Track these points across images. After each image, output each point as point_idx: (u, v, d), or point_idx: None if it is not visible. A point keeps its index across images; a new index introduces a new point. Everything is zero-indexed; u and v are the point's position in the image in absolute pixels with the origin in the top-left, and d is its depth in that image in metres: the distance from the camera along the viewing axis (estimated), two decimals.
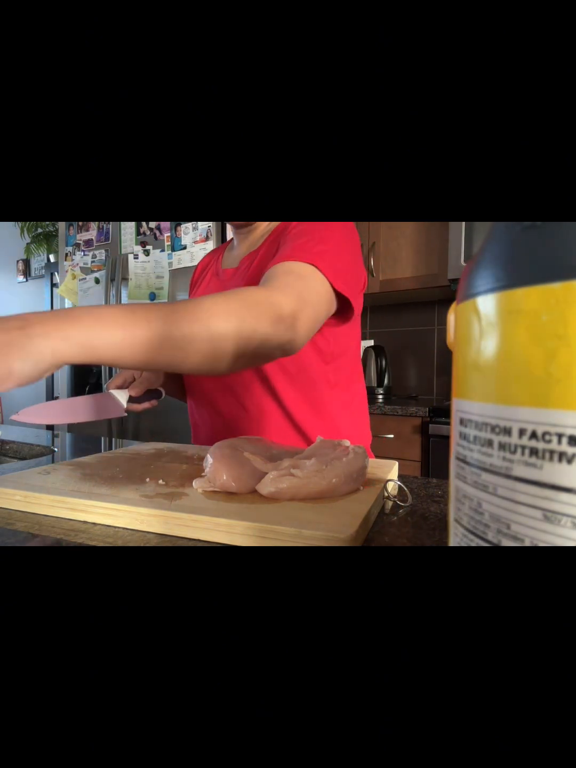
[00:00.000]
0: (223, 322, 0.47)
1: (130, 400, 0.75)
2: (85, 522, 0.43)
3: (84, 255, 2.33)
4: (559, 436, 0.13)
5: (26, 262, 3.65)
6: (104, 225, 2.26)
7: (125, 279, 2.14)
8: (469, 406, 0.16)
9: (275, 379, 0.75)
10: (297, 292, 0.55)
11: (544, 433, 0.13)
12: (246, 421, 0.77)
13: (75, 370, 2.38)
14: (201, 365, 0.48)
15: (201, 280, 0.90)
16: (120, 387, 0.77)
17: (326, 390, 0.78)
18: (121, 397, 0.75)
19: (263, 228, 0.81)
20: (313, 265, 0.59)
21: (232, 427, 0.78)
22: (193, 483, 0.48)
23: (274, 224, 0.81)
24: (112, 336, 0.39)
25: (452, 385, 0.18)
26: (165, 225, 2.04)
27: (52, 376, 3.14)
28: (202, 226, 1.92)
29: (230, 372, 0.51)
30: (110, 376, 2.18)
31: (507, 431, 0.14)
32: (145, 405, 0.77)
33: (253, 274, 0.73)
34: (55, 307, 3.03)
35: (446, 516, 0.45)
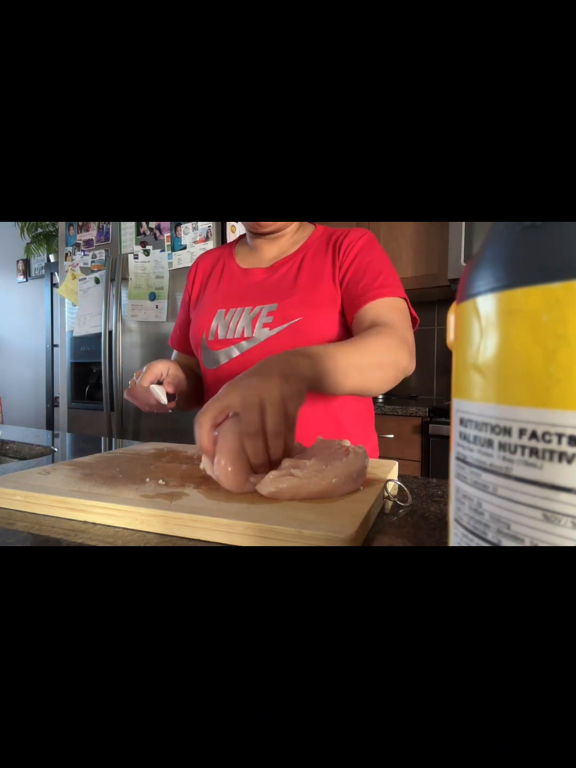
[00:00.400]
0: (388, 355, 0.65)
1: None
2: (85, 522, 0.43)
3: (84, 255, 2.33)
4: (559, 436, 0.13)
5: (26, 262, 3.65)
6: (104, 225, 2.26)
7: (125, 279, 2.14)
8: (469, 406, 0.16)
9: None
10: (409, 326, 0.75)
11: (544, 433, 0.13)
12: None
13: (75, 371, 2.38)
14: (375, 387, 0.66)
15: (214, 276, 0.91)
16: (153, 383, 0.78)
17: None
18: (160, 393, 0.77)
19: (290, 235, 0.85)
20: (403, 298, 0.77)
21: None
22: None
23: (304, 233, 0.85)
24: (332, 364, 0.57)
25: (452, 385, 0.18)
26: (165, 225, 2.04)
27: (52, 375, 3.15)
28: (202, 226, 1.92)
29: (379, 394, 0.71)
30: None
31: (507, 431, 0.14)
32: (172, 404, 0.79)
33: (305, 279, 0.80)
34: (55, 307, 3.03)
35: (446, 516, 0.45)
